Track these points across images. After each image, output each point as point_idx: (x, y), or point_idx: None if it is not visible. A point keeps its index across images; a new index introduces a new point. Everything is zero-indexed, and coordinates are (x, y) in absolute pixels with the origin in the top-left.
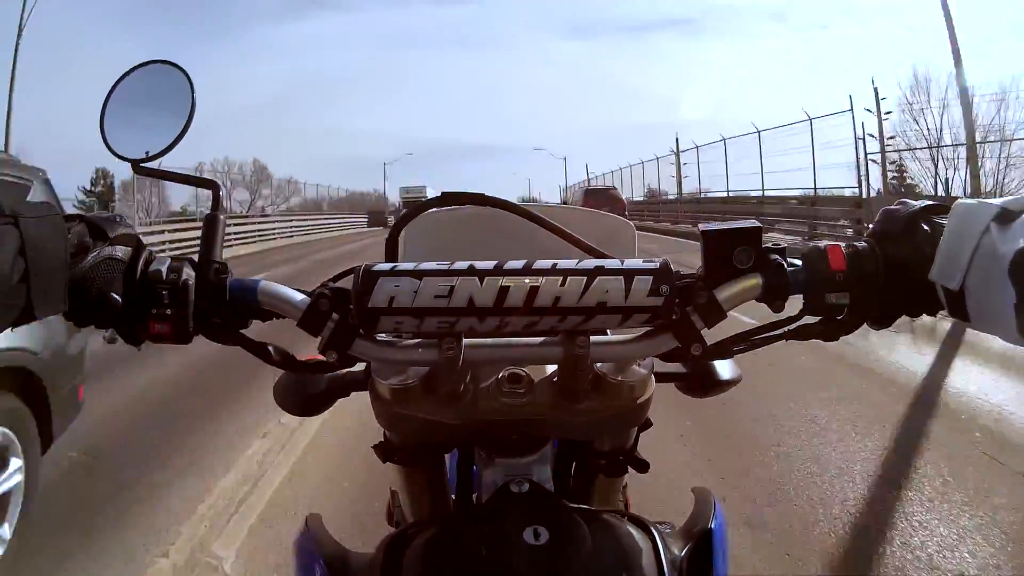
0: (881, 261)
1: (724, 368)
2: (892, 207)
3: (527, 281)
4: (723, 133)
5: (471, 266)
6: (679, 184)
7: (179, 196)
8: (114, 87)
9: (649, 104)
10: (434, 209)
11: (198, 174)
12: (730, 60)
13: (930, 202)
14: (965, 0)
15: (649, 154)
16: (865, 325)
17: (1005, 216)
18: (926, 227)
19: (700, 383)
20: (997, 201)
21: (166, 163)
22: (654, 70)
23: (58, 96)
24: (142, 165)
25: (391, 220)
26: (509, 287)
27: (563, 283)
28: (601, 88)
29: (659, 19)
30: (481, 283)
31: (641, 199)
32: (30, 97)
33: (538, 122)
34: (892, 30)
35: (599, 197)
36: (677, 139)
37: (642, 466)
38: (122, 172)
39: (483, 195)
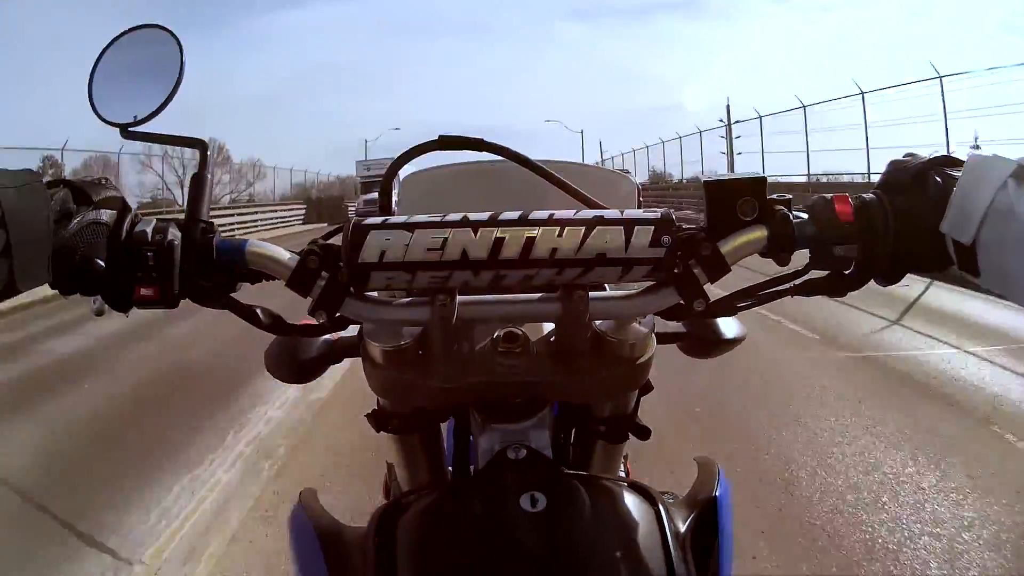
0: (891, 213)
1: (728, 326)
2: (900, 159)
3: (523, 232)
4: (723, 116)
5: (464, 217)
6: (731, 160)
7: (133, 184)
8: (102, 53)
9: (651, 86)
10: (428, 166)
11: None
12: (732, 43)
13: (942, 153)
14: None
15: (653, 136)
16: (872, 281)
17: (1023, 174)
18: (938, 179)
19: (703, 342)
20: (1015, 157)
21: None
22: (656, 51)
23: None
24: (130, 129)
25: (354, 211)
26: (504, 238)
27: (560, 233)
28: (603, 70)
29: (658, 0)
30: (475, 234)
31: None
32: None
33: (541, 104)
34: (896, 14)
35: None
36: (728, 107)
37: (643, 433)
38: (72, 160)
39: (481, 140)
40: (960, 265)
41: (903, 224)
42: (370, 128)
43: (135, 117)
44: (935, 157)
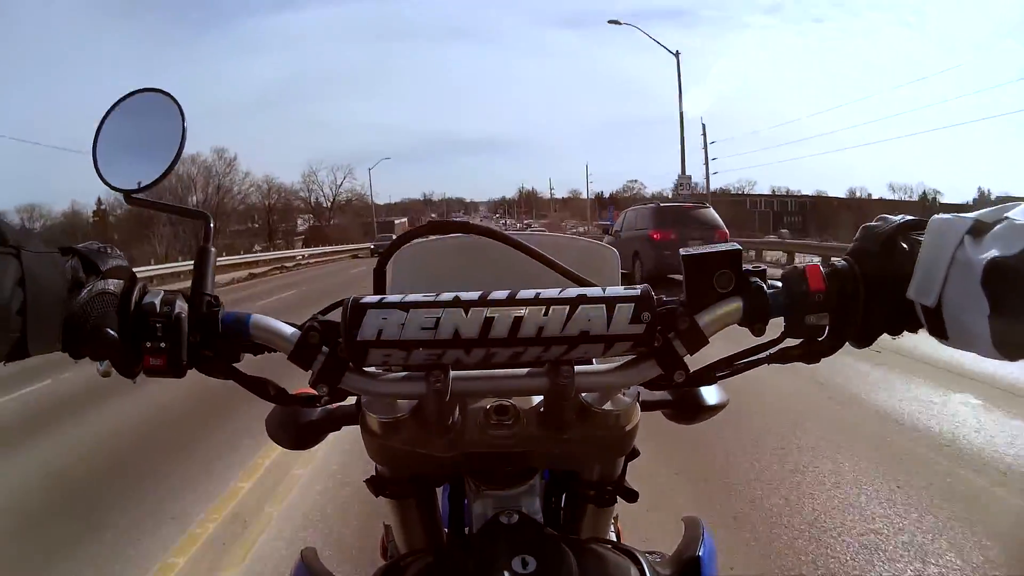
0: (861, 280)
1: (710, 393)
2: (872, 223)
3: (511, 311)
4: (720, 128)
5: (456, 297)
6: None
7: None
8: (105, 117)
9: (643, 96)
10: (420, 240)
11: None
12: (724, 53)
13: (910, 218)
14: None
15: (646, 146)
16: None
17: (978, 229)
18: (904, 244)
19: (687, 410)
20: (971, 214)
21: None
22: (648, 61)
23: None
24: (134, 196)
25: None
26: (494, 318)
27: (546, 312)
28: (595, 79)
29: (653, 9)
30: (466, 314)
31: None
32: None
33: (532, 114)
34: (886, 25)
35: (683, 221)
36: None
37: (631, 496)
38: None
39: (468, 223)
40: (929, 329)
41: (873, 290)
42: (358, 136)
43: (139, 183)
44: (904, 222)
